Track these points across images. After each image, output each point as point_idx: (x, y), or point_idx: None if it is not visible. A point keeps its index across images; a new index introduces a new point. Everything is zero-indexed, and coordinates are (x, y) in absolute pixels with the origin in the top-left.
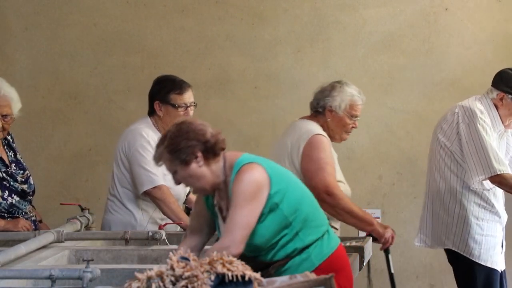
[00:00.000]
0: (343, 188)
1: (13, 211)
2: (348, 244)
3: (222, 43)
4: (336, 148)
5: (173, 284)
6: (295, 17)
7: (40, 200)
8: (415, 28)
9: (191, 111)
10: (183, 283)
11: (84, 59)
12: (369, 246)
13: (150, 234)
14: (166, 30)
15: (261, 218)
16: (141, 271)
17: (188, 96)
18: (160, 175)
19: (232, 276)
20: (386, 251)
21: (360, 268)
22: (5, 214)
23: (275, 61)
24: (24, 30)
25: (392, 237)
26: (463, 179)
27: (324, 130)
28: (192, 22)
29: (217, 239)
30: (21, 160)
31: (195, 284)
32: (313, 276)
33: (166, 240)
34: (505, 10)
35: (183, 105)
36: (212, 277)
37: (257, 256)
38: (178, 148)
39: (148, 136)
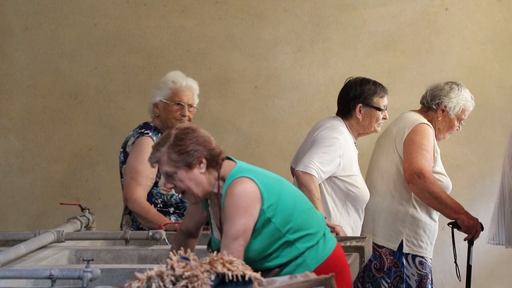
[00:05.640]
0: (444, 180)
1: (181, 207)
2: (348, 244)
3: (222, 43)
4: None
5: (173, 284)
6: (295, 17)
7: (40, 200)
8: (415, 28)
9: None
10: (183, 283)
11: (84, 59)
12: (369, 246)
13: (150, 234)
14: (166, 30)
15: (254, 233)
16: (141, 271)
17: (387, 100)
18: (318, 171)
19: (232, 276)
20: (470, 242)
21: (360, 268)
22: (171, 208)
23: (275, 61)
24: (24, 30)
25: (477, 231)
26: None
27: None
28: (192, 22)
29: (210, 240)
30: None
31: (195, 284)
32: (313, 276)
33: (166, 240)
34: (505, 10)
35: (384, 108)
36: (212, 277)
37: (251, 265)
38: (186, 150)
39: (342, 134)
